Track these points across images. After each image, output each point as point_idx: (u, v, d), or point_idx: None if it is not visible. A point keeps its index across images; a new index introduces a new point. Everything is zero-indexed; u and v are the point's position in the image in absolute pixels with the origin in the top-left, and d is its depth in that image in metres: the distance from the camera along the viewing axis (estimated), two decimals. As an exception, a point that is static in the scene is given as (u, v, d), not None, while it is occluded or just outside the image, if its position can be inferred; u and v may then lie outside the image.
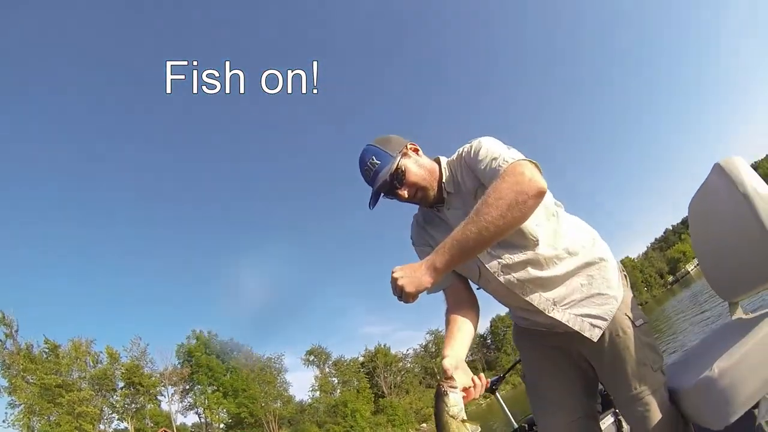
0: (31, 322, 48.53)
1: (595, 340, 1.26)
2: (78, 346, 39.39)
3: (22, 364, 34.21)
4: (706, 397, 1.16)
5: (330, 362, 57.77)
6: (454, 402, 0.95)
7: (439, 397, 0.96)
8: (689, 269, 79.92)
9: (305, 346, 60.43)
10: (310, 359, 57.11)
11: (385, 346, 61.24)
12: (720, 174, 1.38)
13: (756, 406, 1.17)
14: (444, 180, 1.33)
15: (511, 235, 1.19)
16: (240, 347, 52.75)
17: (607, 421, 2.29)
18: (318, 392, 53.64)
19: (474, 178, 1.26)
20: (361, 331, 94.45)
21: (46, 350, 37.32)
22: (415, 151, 1.35)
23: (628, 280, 1.40)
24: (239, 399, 46.51)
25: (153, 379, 43.05)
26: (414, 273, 1.05)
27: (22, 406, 33.28)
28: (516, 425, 2.53)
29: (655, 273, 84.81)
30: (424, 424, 47.11)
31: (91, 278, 70.41)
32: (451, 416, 0.94)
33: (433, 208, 1.37)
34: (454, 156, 1.35)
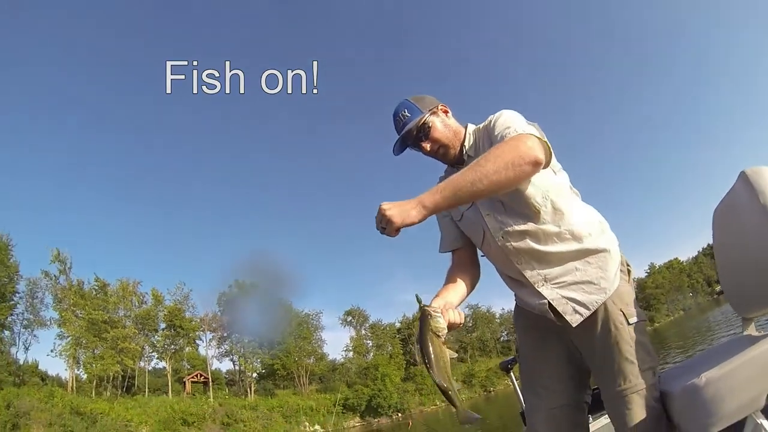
0: (84, 261, 52.06)
1: (574, 325, 1.27)
2: (125, 286, 41.72)
3: (72, 299, 36.64)
4: (689, 403, 1.15)
5: (367, 325, 57.71)
6: (440, 324, 1.05)
7: (426, 317, 1.05)
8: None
9: (344, 306, 60.62)
10: (348, 320, 57.34)
11: (423, 314, 59.65)
12: (744, 182, 1.32)
13: (742, 422, 1.14)
14: (466, 144, 1.41)
15: (516, 203, 1.29)
16: (280, 301, 53.70)
17: (603, 420, 2.24)
18: (351, 353, 53.94)
19: (491, 145, 1.28)
20: (402, 298, 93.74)
21: (96, 288, 39.83)
22: (445, 112, 1.44)
23: (630, 276, 1.38)
24: (274, 351, 47.64)
25: (193, 323, 44.81)
26: (403, 207, 1.10)
27: (70, 338, 35.85)
28: (523, 407, 2.31)
29: (703, 280, 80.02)
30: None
31: (143, 225, 75.04)
32: (435, 334, 1.03)
33: (454, 167, 1.43)
34: (481, 125, 1.42)
